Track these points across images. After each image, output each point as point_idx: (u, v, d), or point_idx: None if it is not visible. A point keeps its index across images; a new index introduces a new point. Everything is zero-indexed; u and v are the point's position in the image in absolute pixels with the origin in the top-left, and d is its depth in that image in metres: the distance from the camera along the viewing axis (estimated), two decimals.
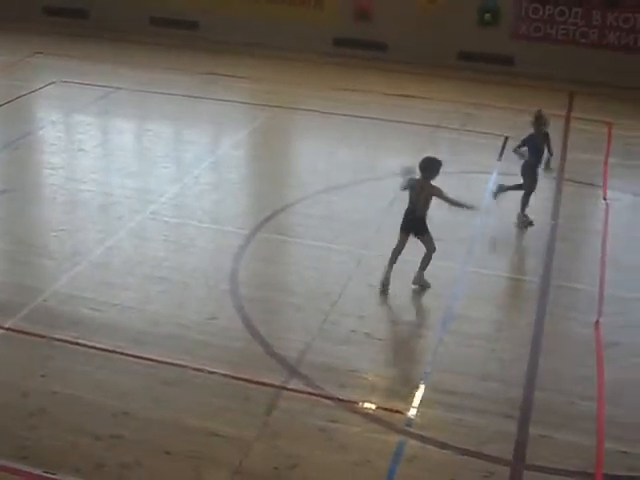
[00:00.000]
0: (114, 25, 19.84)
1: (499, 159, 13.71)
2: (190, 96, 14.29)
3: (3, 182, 12.56)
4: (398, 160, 13.65)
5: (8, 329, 8.69)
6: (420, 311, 9.46)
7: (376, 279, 9.79)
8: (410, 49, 18.20)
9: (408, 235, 9.76)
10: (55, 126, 14.76)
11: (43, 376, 8.03)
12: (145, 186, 12.45)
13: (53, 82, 16.66)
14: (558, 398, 8.09)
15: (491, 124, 15.37)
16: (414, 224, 9.70)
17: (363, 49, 18.80)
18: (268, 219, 11.38)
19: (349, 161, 14.03)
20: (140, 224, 11.16)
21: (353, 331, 8.94)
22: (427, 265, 9.77)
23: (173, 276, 9.90)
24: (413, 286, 9.82)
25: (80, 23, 20.37)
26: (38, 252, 10.45)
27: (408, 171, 9.74)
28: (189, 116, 14.50)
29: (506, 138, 14.40)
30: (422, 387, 8.13)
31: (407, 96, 16.06)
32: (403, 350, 8.81)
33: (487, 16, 18.34)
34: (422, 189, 9.60)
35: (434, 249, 9.72)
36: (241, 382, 8.04)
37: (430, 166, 9.65)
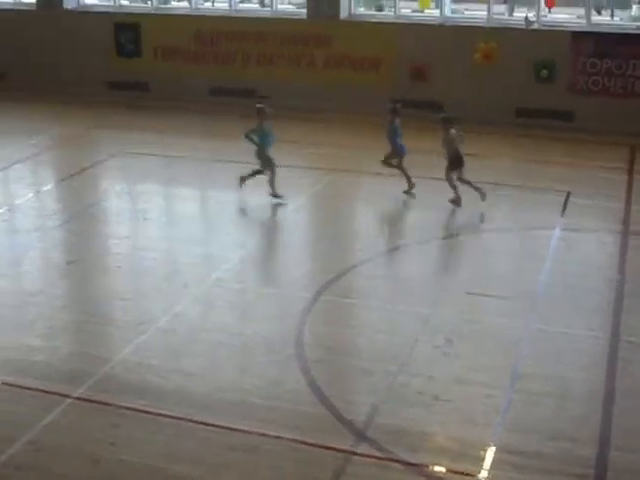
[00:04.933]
0: (174, 96, 20.24)
1: (562, 215, 13.58)
2: (250, 163, 14.46)
3: (69, 253, 12.80)
4: (463, 219, 13.68)
5: (77, 398, 8.76)
6: (487, 370, 9.30)
7: (443, 339, 9.71)
8: (466, 107, 18.21)
9: None
10: (119, 196, 15.04)
11: (112, 444, 8.06)
12: (209, 253, 12.56)
13: (117, 153, 17.00)
14: (634, 457, 7.86)
15: (552, 180, 15.24)
16: None
17: (419, 108, 18.88)
18: (332, 282, 11.37)
19: (413, 222, 14.01)
20: (204, 291, 11.23)
21: (421, 393, 8.82)
22: None
23: (238, 342, 9.91)
24: None
25: (142, 95, 20.84)
26: (104, 321, 10.57)
27: None
28: (251, 182, 14.65)
29: (568, 193, 14.28)
30: (492, 448, 7.97)
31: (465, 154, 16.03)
32: (472, 411, 8.65)
33: (544, 72, 18.29)
34: None
35: None
36: (308, 447, 7.96)
37: None
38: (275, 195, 14.10)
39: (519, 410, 8.57)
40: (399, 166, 14.45)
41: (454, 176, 13.74)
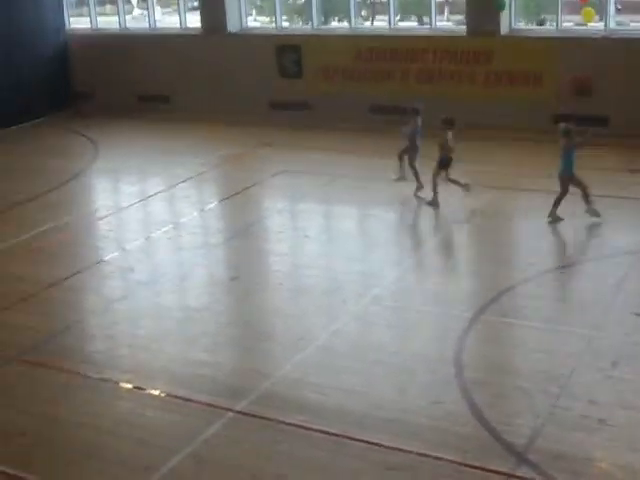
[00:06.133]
0: (335, 115, 20.44)
1: None
2: (408, 180, 14.49)
3: (233, 269, 13.10)
4: (626, 237, 13.21)
5: (239, 412, 8.94)
6: None
7: (608, 362, 9.39)
8: (633, 122, 17.63)
9: None
10: (281, 214, 15.30)
11: (272, 459, 8.18)
12: (368, 270, 12.60)
13: (279, 172, 17.32)
14: None
15: None
16: None
17: (585, 124, 18.38)
18: (492, 301, 11.19)
19: (575, 240, 13.64)
20: (363, 308, 11.27)
21: (585, 416, 8.55)
22: None
23: (396, 360, 9.88)
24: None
25: (303, 115, 21.16)
26: (266, 337, 10.76)
27: None
28: (410, 199, 14.65)
29: None
30: None
31: (634, 170, 15.53)
32: (638, 437, 8.31)
33: None
34: None
35: None
36: (467, 469, 7.85)
37: None
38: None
39: None
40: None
41: (440, 177, 14.56)
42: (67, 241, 14.32)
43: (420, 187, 15.10)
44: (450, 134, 14.53)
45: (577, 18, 19.20)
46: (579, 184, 13.51)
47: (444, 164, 14.58)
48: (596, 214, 13.55)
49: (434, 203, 14.62)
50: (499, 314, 10.98)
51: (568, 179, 13.51)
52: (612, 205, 14.22)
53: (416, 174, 15.23)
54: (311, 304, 11.59)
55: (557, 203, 13.65)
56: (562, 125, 13.65)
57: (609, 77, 18.29)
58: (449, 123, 14.61)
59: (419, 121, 15.29)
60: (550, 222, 13.68)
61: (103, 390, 9.63)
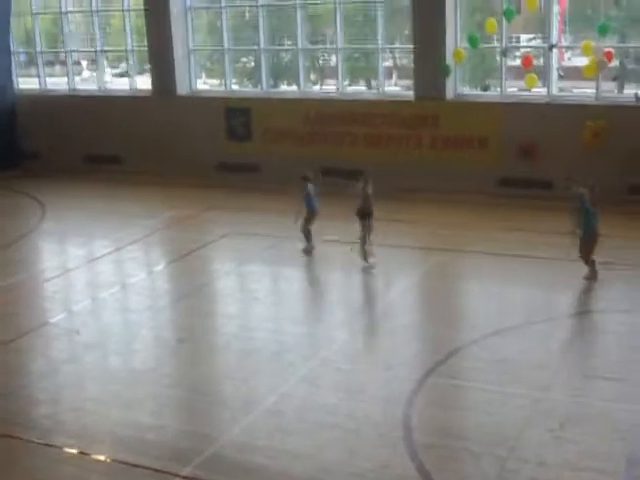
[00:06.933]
0: (284, 178, 20.51)
1: None
2: (356, 242, 14.57)
3: (181, 331, 13.00)
4: (568, 299, 13.38)
5: (185, 477, 8.81)
6: (602, 457, 8.97)
7: (556, 423, 9.45)
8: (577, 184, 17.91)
9: None
10: (229, 276, 15.27)
11: None
12: (315, 332, 12.61)
13: (227, 234, 17.32)
14: None
15: None
16: None
17: (529, 187, 18.71)
18: (440, 363, 11.23)
19: (519, 302, 13.78)
20: (311, 371, 11.23)
21: (533, 479, 8.57)
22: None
23: (345, 423, 9.83)
24: None
25: (252, 176, 21.24)
26: (213, 400, 10.66)
27: None
28: (357, 263, 14.71)
29: None
30: None
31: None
32: None
33: None
34: None
35: None
36: None
37: None
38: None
39: None
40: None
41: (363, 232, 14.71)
42: (13, 302, 14.13)
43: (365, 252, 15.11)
44: (368, 187, 14.73)
45: (521, 84, 19.63)
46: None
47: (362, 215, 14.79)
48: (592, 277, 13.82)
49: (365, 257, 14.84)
50: (447, 376, 11.01)
51: (593, 234, 13.73)
52: (553, 267, 14.44)
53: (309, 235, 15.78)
54: (259, 366, 11.53)
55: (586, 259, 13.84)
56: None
57: (552, 142, 18.65)
58: (364, 179, 14.80)
59: (308, 187, 15.72)
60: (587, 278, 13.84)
61: (48, 455, 9.44)
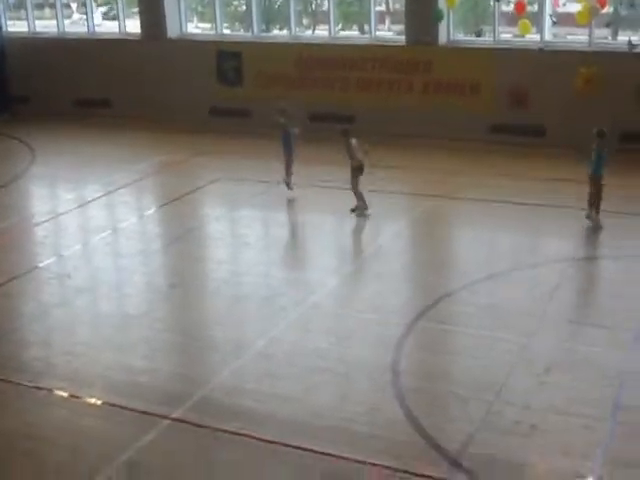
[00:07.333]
0: (274, 124, 20.42)
1: None
2: (345, 189, 14.57)
3: (172, 276, 13.05)
4: (559, 245, 13.46)
5: (175, 419, 8.91)
6: (587, 401, 9.08)
7: (541, 368, 9.56)
8: (568, 132, 17.91)
9: None
10: (219, 221, 15.28)
11: (206, 466, 8.17)
12: (306, 277, 12.66)
13: (218, 179, 17.29)
14: None
15: None
16: None
17: (521, 134, 18.67)
18: (429, 308, 11.31)
19: (510, 248, 13.86)
20: (302, 315, 11.30)
21: (518, 422, 8.69)
22: None
23: (335, 367, 9.93)
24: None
25: (243, 121, 21.13)
26: (203, 344, 10.74)
27: None
28: (348, 207, 14.72)
29: None
30: None
31: (565, 180, 15.78)
32: (570, 442, 8.46)
33: None
34: None
35: None
36: (403, 474, 7.91)
37: None
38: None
39: (620, 443, 8.35)
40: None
41: (356, 184, 14.67)
42: (3, 246, 14.13)
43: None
44: (354, 142, 14.65)
45: (514, 30, 19.49)
46: (598, 187, 13.80)
47: (357, 172, 14.68)
48: (594, 222, 13.85)
49: (359, 210, 14.77)
50: (436, 321, 11.11)
51: (599, 177, 13.74)
52: (545, 214, 14.49)
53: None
54: (250, 311, 11.61)
55: (592, 204, 13.86)
56: (596, 128, 13.88)
57: (544, 88, 18.58)
58: (346, 134, 14.76)
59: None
60: (591, 224, 13.91)
61: (38, 398, 9.51)
